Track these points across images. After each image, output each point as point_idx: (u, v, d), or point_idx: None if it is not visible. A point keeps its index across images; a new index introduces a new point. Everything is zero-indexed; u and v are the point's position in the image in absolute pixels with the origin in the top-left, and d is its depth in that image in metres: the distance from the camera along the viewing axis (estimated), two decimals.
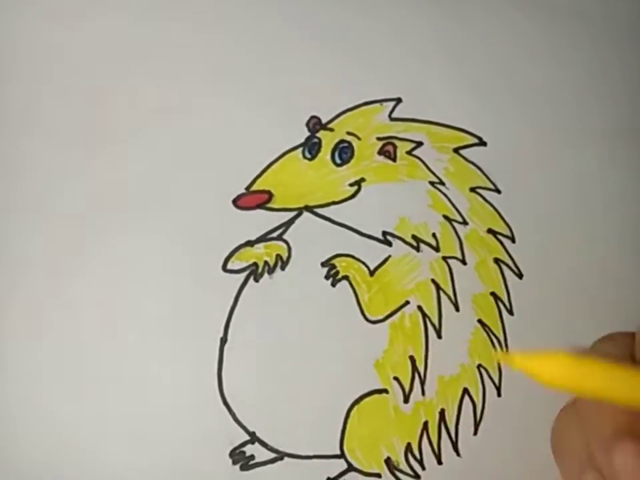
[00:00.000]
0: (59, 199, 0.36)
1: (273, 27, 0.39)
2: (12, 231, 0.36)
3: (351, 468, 0.36)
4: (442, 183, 0.39)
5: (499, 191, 0.40)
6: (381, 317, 0.37)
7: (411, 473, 0.37)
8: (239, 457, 0.35)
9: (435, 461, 0.37)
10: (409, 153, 0.39)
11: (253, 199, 0.37)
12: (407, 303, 0.38)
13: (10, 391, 0.35)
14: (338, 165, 0.38)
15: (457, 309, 0.38)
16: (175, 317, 0.36)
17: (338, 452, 0.36)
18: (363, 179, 0.38)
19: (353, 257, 0.38)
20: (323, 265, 0.37)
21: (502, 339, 0.38)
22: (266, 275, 0.37)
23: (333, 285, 0.37)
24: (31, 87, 0.37)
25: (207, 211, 0.37)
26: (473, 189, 0.39)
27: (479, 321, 0.38)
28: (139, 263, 0.36)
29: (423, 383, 0.37)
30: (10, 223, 0.36)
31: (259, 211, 0.37)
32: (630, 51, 0.43)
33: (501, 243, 0.39)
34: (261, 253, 0.37)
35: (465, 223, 0.39)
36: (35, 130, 0.37)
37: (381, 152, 0.39)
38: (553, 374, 0.24)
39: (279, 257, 0.37)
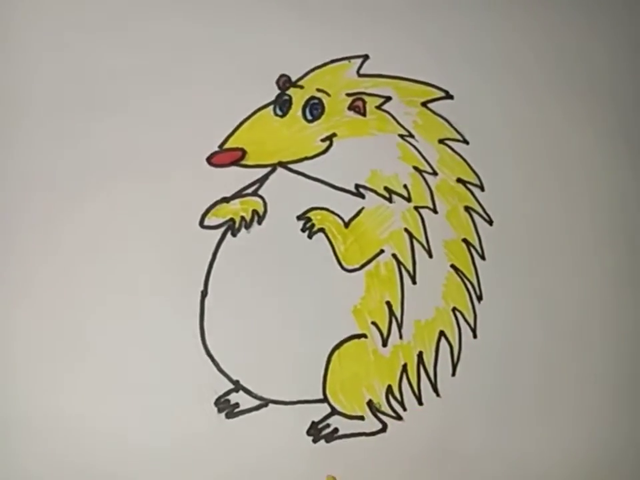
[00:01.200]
0: (47, 168, 0.37)
1: None
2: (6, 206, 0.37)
3: (334, 411, 0.37)
4: (411, 136, 0.40)
5: (466, 142, 0.41)
6: (357, 266, 0.38)
7: (393, 414, 0.38)
8: (224, 405, 0.36)
9: (415, 402, 0.38)
10: (378, 107, 0.40)
11: (227, 156, 0.38)
12: (382, 251, 0.39)
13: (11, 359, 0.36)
14: (309, 121, 0.39)
15: (430, 256, 0.39)
16: (155, 273, 0.36)
17: (321, 396, 0.37)
18: (334, 134, 0.39)
19: (327, 209, 0.38)
20: (298, 218, 0.38)
21: (475, 282, 0.40)
22: (243, 229, 0.37)
23: (310, 237, 0.38)
24: (23, 66, 0.37)
25: (182, 169, 0.37)
26: (441, 141, 0.41)
27: (452, 266, 0.40)
28: (120, 222, 0.37)
29: (400, 327, 0.38)
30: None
31: (233, 168, 0.38)
32: (592, 7, 0.44)
33: (471, 191, 0.41)
34: (237, 208, 0.38)
35: (434, 173, 0.40)
36: (26, 102, 0.37)
37: (351, 107, 0.40)
38: None
39: (255, 212, 0.38)
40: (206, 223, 0.37)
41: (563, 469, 0.39)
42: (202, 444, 0.36)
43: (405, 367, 0.38)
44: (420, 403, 0.38)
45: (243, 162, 0.38)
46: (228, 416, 0.36)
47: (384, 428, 0.38)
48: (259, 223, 0.38)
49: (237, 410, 0.36)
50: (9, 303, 0.36)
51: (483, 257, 0.40)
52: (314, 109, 0.40)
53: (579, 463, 0.39)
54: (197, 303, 0.36)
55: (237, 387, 0.36)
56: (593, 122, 0.43)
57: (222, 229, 0.37)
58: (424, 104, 0.41)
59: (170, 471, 0.35)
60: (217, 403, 0.36)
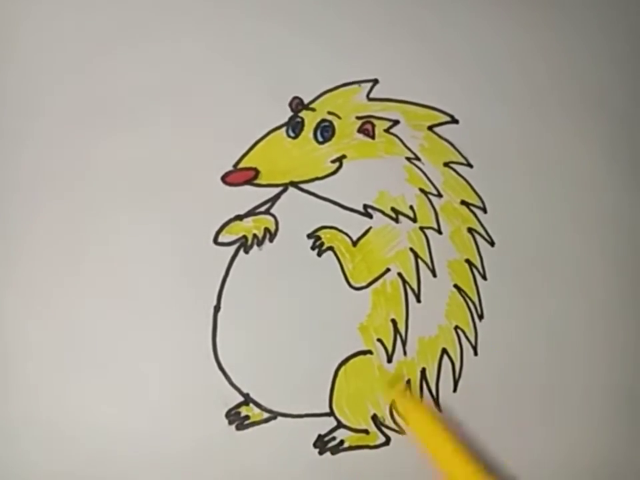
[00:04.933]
0: (59, 178, 0.38)
1: (258, 16, 0.41)
2: (13, 211, 0.38)
3: (340, 425, 0.38)
4: (418, 159, 0.41)
5: (470, 165, 0.42)
6: (364, 284, 0.39)
7: (396, 428, 0.39)
8: (235, 418, 0.37)
9: None
10: (387, 130, 0.41)
11: (241, 175, 0.39)
12: (388, 270, 0.40)
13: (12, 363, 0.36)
14: (320, 143, 0.40)
15: (434, 275, 0.40)
16: (170, 288, 0.37)
17: (327, 410, 0.38)
18: (344, 156, 0.40)
19: (336, 228, 0.40)
20: (309, 236, 0.39)
21: (477, 301, 0.41)
22: (255, 246, 0.39)
23: (319, 255, 0.39)
24: (35, 74, 0.38)
25: (197, 188, 0.38)
26: (446, 164, 0.42)
27: (455, 286, 0.41)
28: (137, 238, 0.38)
29: (404, 344, 0.39)
30: (11, 203, 0.38)
31: (246, 187, 0.39)
32: (602, 26, 0.45)
33: (474, 213, 0.42)
34: (250, 226, 0.39)
35: (439, 195, 0.41)
36: (36, 114, 0.38)
37: (360, 130, 0.41)
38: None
39: (267, 229, 0.39)
40: (220, 239, 0.38)
41: None
42: (213, 455, 0.36)
43: (408, 382, 0.39)
44: None
45: (256, 181, 0.39)
46: (238, 428, 0.37)
47: (387, 441, 0.39)
48: (271, 240, 0.39)
49: (246, 422, 0.37)
50: (18, 308, 0.37)
51: (484, 277, 0.41)
52: (325, 131, 0.40)
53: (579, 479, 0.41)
54: (210, 318, 0.37)
55: (247, 399, 0.37)
56: (600, 143, 0.44)
57: (235, 246, 0.38)
58: (430, 128, 0.42)
59: None
60: (227, 415, 0.37)
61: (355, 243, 0.40)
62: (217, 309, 0.37)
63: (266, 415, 0.37)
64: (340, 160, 0.40)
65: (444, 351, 0.40)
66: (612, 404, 0.42)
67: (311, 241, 0.39)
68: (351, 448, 0.38)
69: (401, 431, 0.39)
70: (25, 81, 0.38)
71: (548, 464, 0.40)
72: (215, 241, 0.38)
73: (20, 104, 0.38)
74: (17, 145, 0.38)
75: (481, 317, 0.41)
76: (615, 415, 0.42)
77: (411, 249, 0.40)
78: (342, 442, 0.38)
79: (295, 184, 0.40)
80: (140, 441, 0.36)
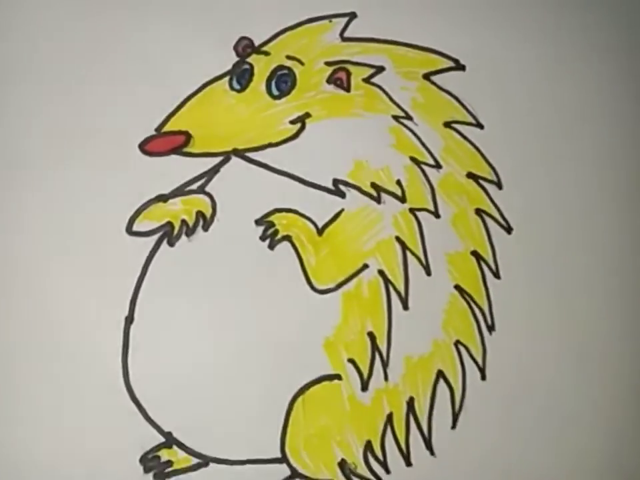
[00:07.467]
0: None
1: None
2: None
3: (295, 474, 0.31)
4: (409, 117, 0.33)
5: (481, 126, 0.34)
6: (331, 286, 0.32)
7: (372, 478, 0.31)
8: (153, 464, 0.30)
9: (402, 462, 0.32)
10: (367, 80, 0.33)
11: (166, 142, 0.31)
12: (366, 266, 0.32)
13: None
14: (275, 98, 0.32)
15: (429, 273, 0.32)
16: (70, 291, 0.30)
17: (279, 455, 0.30)
18: (307, 114, 0.32)
19: (295, 212, 0.32)
20: (257, 223, 0.31)
21: (486, 308, 0.33)
22: (183, 237, 0.31)
23: (271, 247, 0.31)
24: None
25: (106, 158, 0.30)
26: (448, 124, 0.34)
27: (457, 287, 0.33)
28: (25, 227, 0.30)
29: (385, 366, 0.32)
30: None
31: (173, 157, 0.31)
32: None
33: (485, 189, 0.34)
34: (177, 209, 0.31)
35: (438, 166, 0.33)
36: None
37: (331, 80, 0.33)
38: None
39: (200, 214, 0.31)
40: (135, 228, 0.31)
41: None
42: None
43: (390, 417, 0.32)
44: (408, 464, 0.32)
45: (187, 149, 0.32)
46: (157, 477, 0.30)
47: None
48: (205, 228, 0.31)
49: (168, 470, 0.30)
50: None
51: (497, 276, 0.33)
52: (282, 82, 0.33)
53: None
54: (120, 332, 0.30)
55: (170, 440, 0.30)
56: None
57: (156, 236, 0.31)
58: (426, 76, 0.34)
59: None
60: (143, 460, 0.30)
61: (320, 231, 0.32)
62: (129, 320, 0.30)
63: (195, 461, 0.30)
64: (302, 120, 0.32)
65: (440, 373, 0.32)
66: None
67: (261, 229, 0.31)
68: None
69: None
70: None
71: None
72: (129, 231, 0.31)
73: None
74: None
75: (491, 328, 0.33)
76: None
77: (397, 238, 0.33)
78: None
79: (239, 152, 0.32)
80: None
